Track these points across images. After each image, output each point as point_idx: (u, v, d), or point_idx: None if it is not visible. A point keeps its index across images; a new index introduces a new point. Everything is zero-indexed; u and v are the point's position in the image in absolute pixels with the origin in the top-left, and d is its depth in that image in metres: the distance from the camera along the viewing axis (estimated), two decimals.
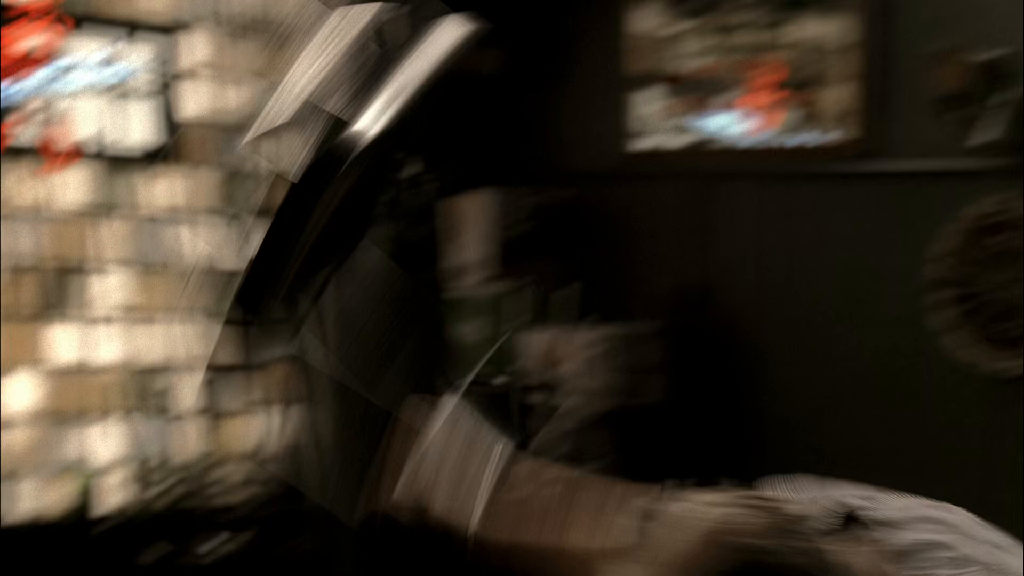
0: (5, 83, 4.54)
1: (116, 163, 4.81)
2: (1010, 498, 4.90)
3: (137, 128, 4.87)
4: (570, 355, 5.24)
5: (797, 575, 1.58)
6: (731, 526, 1.61)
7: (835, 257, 5.32)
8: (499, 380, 5.39)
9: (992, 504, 4.95)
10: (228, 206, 5.04)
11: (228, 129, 5.03)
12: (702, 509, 1.65)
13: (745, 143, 5.53)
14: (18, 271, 4.61)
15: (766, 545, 1.58)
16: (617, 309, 5.57)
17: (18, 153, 4.57)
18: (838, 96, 5.32)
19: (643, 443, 5.45)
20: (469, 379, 5.22)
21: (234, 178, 5.05)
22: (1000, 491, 4.94)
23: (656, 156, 5.72)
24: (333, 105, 3.09)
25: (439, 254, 4.92)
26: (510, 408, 5.35)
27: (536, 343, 5.35)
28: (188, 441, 4.96)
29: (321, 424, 4.56)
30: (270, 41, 5.14)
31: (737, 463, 5.49)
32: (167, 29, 4.93)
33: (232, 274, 4.06)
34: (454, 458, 1.96)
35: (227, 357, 4.79)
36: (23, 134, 4.57)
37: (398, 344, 4.66)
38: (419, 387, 4.78)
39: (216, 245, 5.02)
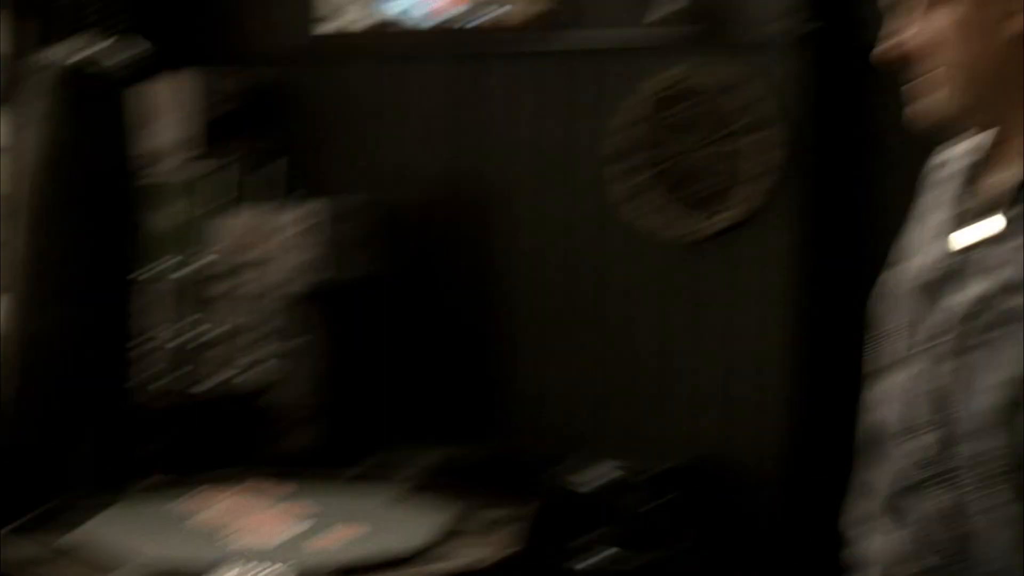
0: None
1: None
2: (683, 363, 5.20)
3: None
4: (274, 232, 5.25)
5: None
6: None
7: (522, 133, 5.47)
8: (190, 265, 5.37)
9: (664, 363, 5.27)
10: None
11: None
12: None
13: (431, 22, 5.62)
14: None
15: None
16: (322, 185, 5.61)
17: None
18: None
19: (351, 318, 5.53)
20: (158, 267, 5.20)
21: None
22: (672, 351, 5.23)
23: (344, 38, 5.75)
24: None
25: (132, 138, 4.83)
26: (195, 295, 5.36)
27: (235, 224, 5.34)
28: None
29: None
30: None
31: (430, 331, 5.63)
32: None
33: None
34: None
35: None
36: None
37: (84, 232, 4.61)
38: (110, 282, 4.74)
39: None
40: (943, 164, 2.07)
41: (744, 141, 5.10)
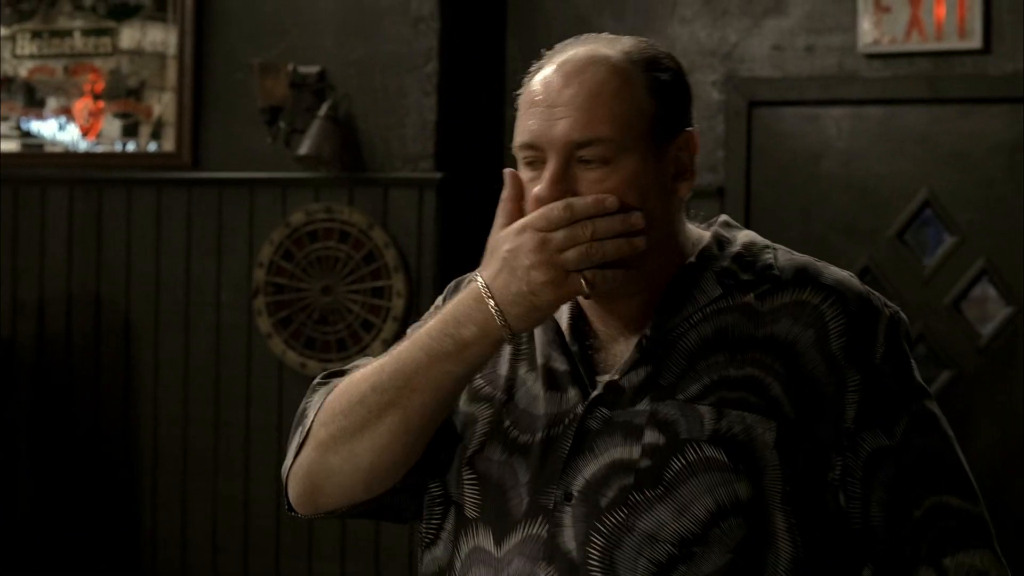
0: None
1: None
2: None
3: None
4: None
5: None
6: None
7: (164, 264, 5.38)
8: None
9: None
10: None
11: None
12: None
13: (75, 149, 5.52)
14: None
15: None
16: None
17: None
18: (161, 105, 5.39)
19: None
20: None
21: None
22: None
23: None
24: None
25: None
26: None
27: None
28: None
29: None
30: None
31: (51, 479, 5.48)
32: None
33: None
34: None
35: None
36: None
37: None
38: None
39: None
40: None
41: (381, 282, 5.09)
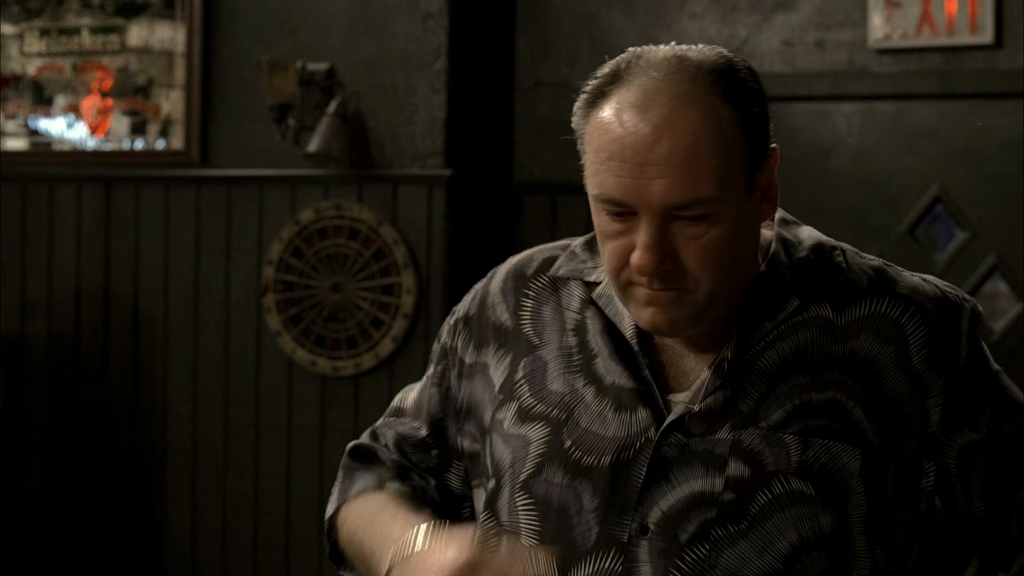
0: None
1: None
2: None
3: None
4: None
5: None
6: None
7: (173, 262, 5.38)
8: None
9: (321, 497, 5.20)
10: None
11: None
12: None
13: (83, 147, 5.51)
14: None
15: None
16: None
17: None
18: (169, 103, 5.39)
19: None
20: None
21: None
22: (327, 485, 5.15)
23: None
24: None
25: None
26: None
27: None
28: None
29: None
30: None
31: (75, 476, 5.48)
32: None
33: None
34: None
35: None
36: None
37: None
38: None
39: None
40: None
41: (390, 279, 5.08)
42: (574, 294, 1.81)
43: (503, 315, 1.85)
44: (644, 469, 1.68)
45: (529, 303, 1.83)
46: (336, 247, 5.18)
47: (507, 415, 1.78)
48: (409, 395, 1.97)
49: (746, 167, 1.65)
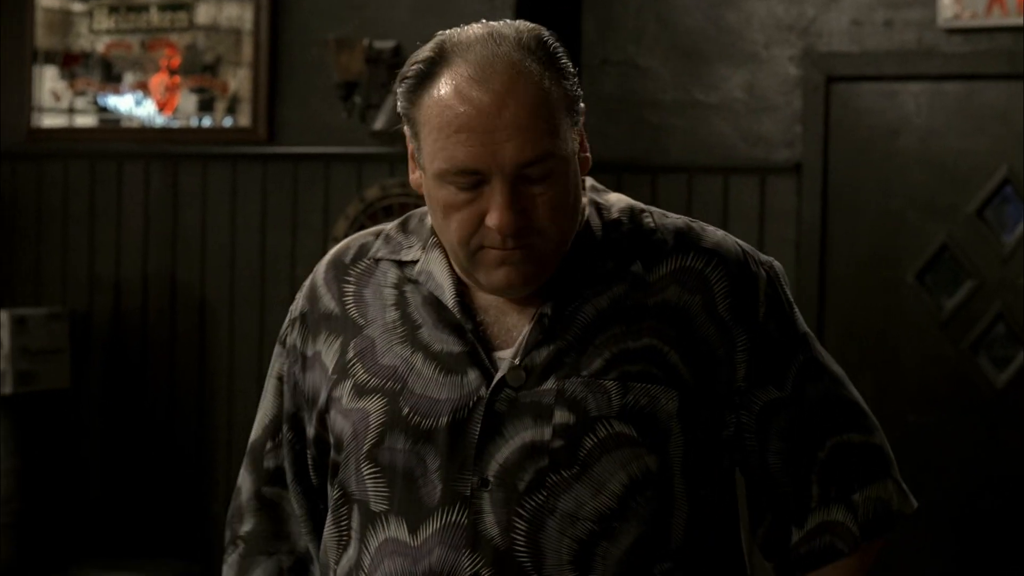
0: None
1: None
2: None
3: None
4: None
5: None
6: None
7: (240, 239, 5.41)
8: None
9: None
10: None
11: None
12: None
13: (151, 124, 5.55)
14: None
15: None
16: (14, 292, 5.50)
17: None
18: (237, 80, 5.41)
19: (47, 429, 5.41)
20: None
21: None
22: None
23: (62, 134, 5.66)
24: None
25: None
26: None
27: None
28: None
29: None
30: None
31: (138, 449, 5.53)
32: None
33: None
34: None
35: None
36: None
37: None
38: None
39: None
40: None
41: None
42: (389, 273, 1.89)
43: (330, 303, 1.93)
44: (479, 426, 1.77)
45: (351, 288, 1.91)
46: None
47: (343, 392, 1.86)
48: (255, 426, 2.06)
49: (571, 124, 1.77)
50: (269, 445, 2.02)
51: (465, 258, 1.78)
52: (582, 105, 1.81)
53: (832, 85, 5.12)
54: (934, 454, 4.97)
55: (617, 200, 1.91)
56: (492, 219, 1.72)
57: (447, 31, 1.80)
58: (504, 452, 1.77)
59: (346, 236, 5.10)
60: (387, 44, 5.16)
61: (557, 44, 1.79)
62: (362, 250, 1.93)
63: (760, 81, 5.15)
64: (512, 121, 1.71)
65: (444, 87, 1.73)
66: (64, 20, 5.65)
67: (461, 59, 1.74)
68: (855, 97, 5.11)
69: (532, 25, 1.81)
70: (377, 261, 1.91)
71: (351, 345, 1.88)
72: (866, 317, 5.10)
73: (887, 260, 5.08)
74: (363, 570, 1.83)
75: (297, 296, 1.99)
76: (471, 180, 1.73)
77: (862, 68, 5.10)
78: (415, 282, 1.87)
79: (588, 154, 1.84)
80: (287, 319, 1.98)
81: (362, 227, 5.18)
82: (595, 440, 1.75)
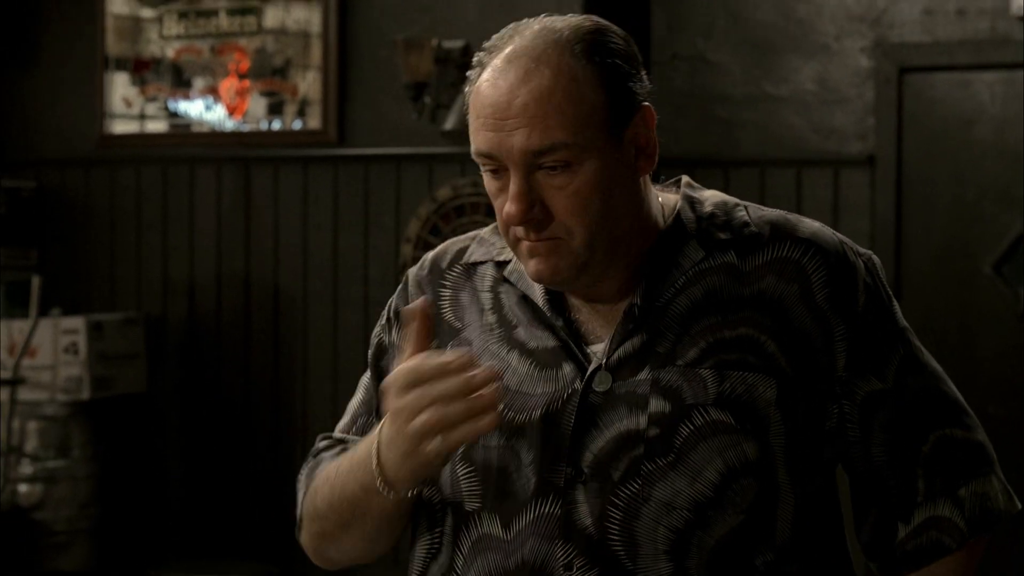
0: None
1: None
2: None
3: None
4: (34, 347, 5.17)
5: None
6: None
7: (312, 240, 5.43)
8: None
9: None
10: None
11: None
12: None
13: (221, 128, 5.58)
14: None
15: None
16: (89, 298, 5.55)
17: None
18: (306, 83, 5.43)
19: (124, 434, 5.45)
20: None
21: None
22: None
23: (134, 140, 5.70)
24: None
25: None
26: None
27: None
28: None
29: None
30: None
31: (217, 449, 5.55)
32: None
33: None
34: None
35: None
36: None
37: None
38: None
39: None
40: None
41: None
42: (486, 275, 1.91)
43: None
44: (573, 418, 1.78)
45: (447, 292, 1.93)
46: (474, 224, 5.18)
47: None
48: (342, 419, 2.04)
49: (607, 120, 1.76)
50: (352, 431, 2.01)
51: (511, 247, 1.81)
52: (645, 104, 1.80)
53: (905, 76, 5.07)
54: (1014, 445, 4.91)
55: (712, 195, 1.90)
56: (506, 207, 1.75)
57: (519, 22, 1.82)
58: (599, 442, 1.77)
59: (418, 236, 5.18)
60: (456, 44, 5.16)
61: (609, 40, 1.79)
62: (458, 254, 1.95)
63: (831, 73, 5.11)
64: (522, 110, 1.73)
65: (483, 76, 1.77)
66: (134, 26, 5.69)
67: (503, 50, 1.77)
68: (928, 88, 5.06)
69: (586, 19, 1.82)
70: (474, 265, 1.93)
71: (448, 348, 1.87)
72: (943, 309, 5.05)
73: (963, 252, 5.03)
74: (456, 571, 1.83)
75: (391, 300, 1.99)
76: (494, 165, 1.76)
77: (935, 58, 5.05)
78: (510, 282, 1.88)
79: (650, 159, 1.82)
80: (381, 320, 1.98)
81: (435, 227, 5.19)
82: (691, 427, 1.75)
